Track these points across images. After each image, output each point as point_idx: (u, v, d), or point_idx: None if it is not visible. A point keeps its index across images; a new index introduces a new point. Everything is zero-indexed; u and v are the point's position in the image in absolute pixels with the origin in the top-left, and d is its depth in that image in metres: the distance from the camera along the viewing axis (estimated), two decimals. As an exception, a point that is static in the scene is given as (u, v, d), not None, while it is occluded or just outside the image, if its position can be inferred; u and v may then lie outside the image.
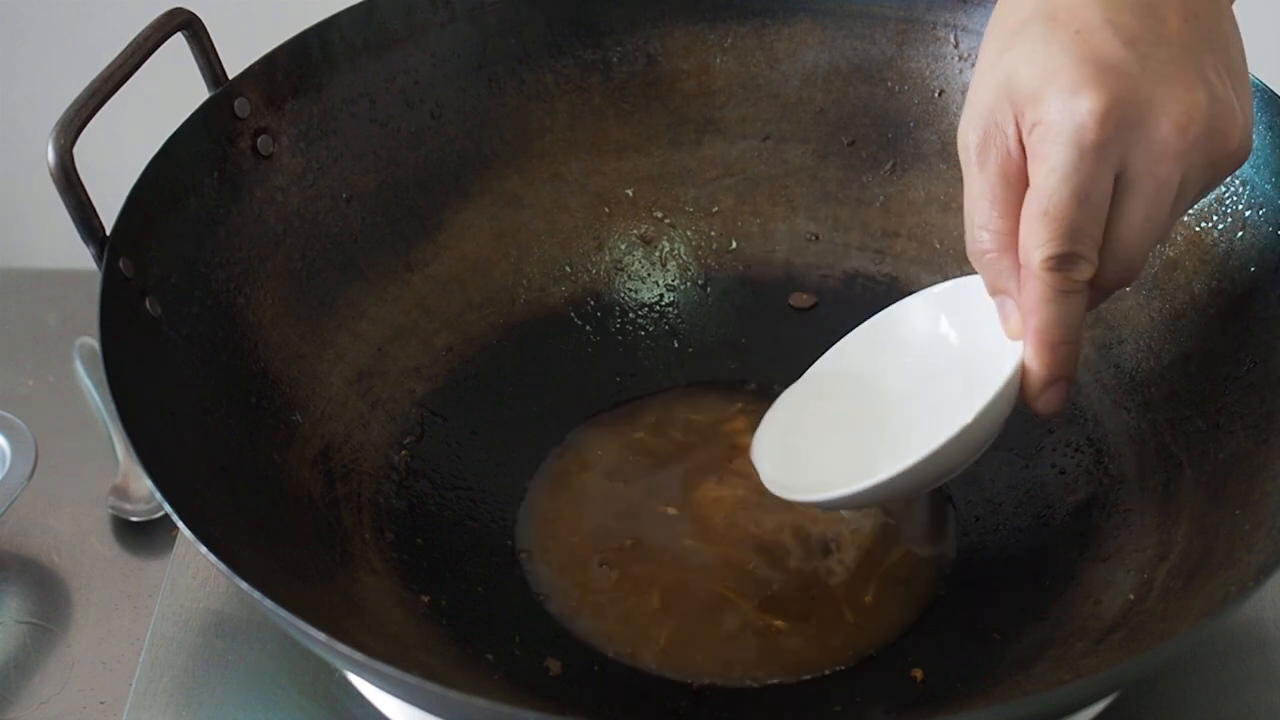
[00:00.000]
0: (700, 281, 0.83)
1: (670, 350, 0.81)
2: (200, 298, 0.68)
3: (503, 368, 0.79)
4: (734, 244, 0.83)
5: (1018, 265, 0.59)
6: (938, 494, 0.73)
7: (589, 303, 0.82)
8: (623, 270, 0.82)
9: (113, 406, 0.59)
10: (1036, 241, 0.57)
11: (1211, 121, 0.56)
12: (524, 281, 0.81)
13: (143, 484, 0.80)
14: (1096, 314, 0.75)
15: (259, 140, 0.72)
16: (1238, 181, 0.70)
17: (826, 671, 0.67)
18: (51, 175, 0.62)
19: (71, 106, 0.63)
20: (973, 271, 0.62)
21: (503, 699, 0.60)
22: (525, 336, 0.80)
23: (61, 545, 0.78)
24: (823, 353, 0.72)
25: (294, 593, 0.58)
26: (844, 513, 0.72)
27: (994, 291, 0.61)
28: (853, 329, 0.72)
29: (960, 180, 0.60)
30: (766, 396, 0.77)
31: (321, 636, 0.53)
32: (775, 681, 0.67)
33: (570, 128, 0.81)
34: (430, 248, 0.79)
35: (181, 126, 0.69)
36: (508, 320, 0.80)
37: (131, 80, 0.65)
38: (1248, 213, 0.69)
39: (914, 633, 0.68)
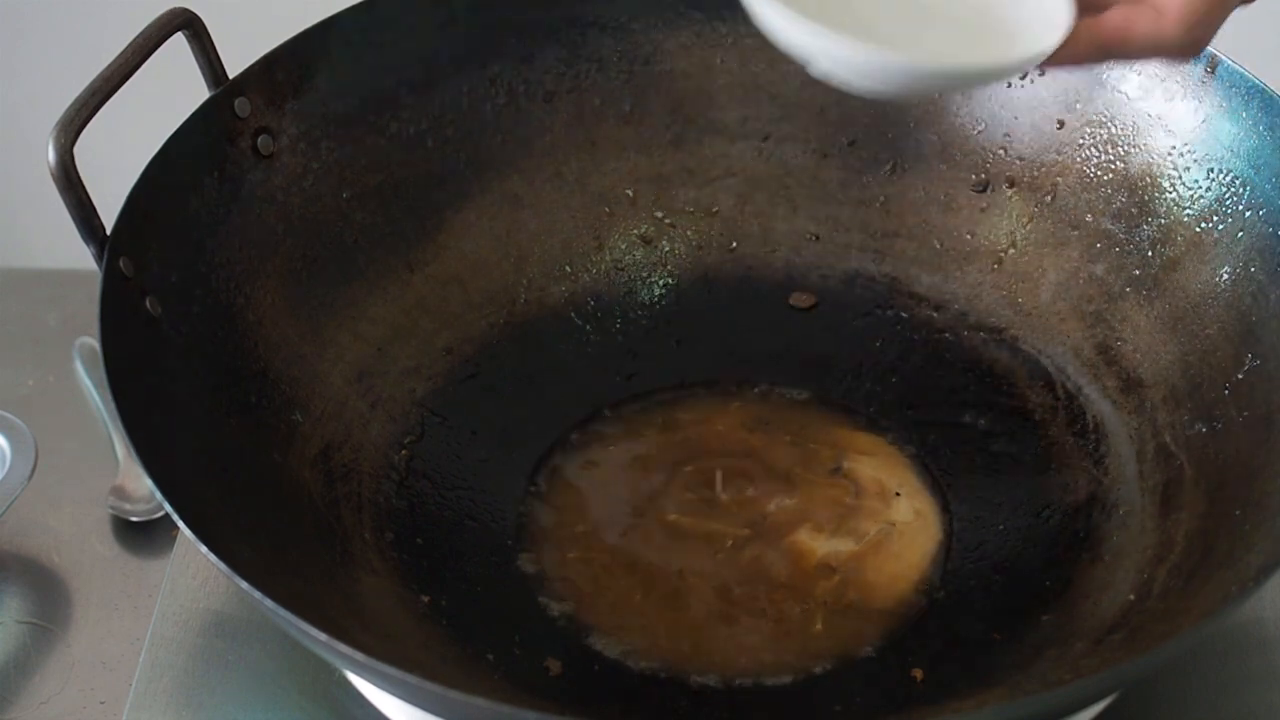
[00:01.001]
0: (700, 282, 0.83)
1: (670, 350, 0.81)
2: (200, 298, 0.68)
3: (503, 368, 0.78)
4: (734, 244, 0.83)
5: None
6: (937, 495, 0.73)
7: (589, 303, 0.82)
8: (623, 270, 0.82)
9: (113, 406, 0.59)
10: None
11: None
12: (524, 281, 0.81)
13: (143, 484, 0.80)
14: (1097, 314, 0.75)
15: (259, 140, 0.72)
16: (1238, 182, 0.70)
17: (826, 671, 0.67)
18: (52, 175, 0.62)
19: (71, 106, 0.63)
20: None
21: (503, 699, 0.60)
22: (525, 336, 0.80)
23: (61, 545, 0.78)
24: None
25: (294, 593, 0.58)
26: (843, 527, 0.72)
27: None
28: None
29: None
30: (766, 397, 0.76)
31: (321, 636, 0.53)
32: (775, 681, 0.67)
33: (570, 128, 0.81)
34: (430, 248, 0.79)
35: (181, 126, 0.69)
36: (508, 320, 0.80)
37: (131, 80, 0.65)
38: (1248, 213, 0.69)
39: (914, 633, 0.68)
